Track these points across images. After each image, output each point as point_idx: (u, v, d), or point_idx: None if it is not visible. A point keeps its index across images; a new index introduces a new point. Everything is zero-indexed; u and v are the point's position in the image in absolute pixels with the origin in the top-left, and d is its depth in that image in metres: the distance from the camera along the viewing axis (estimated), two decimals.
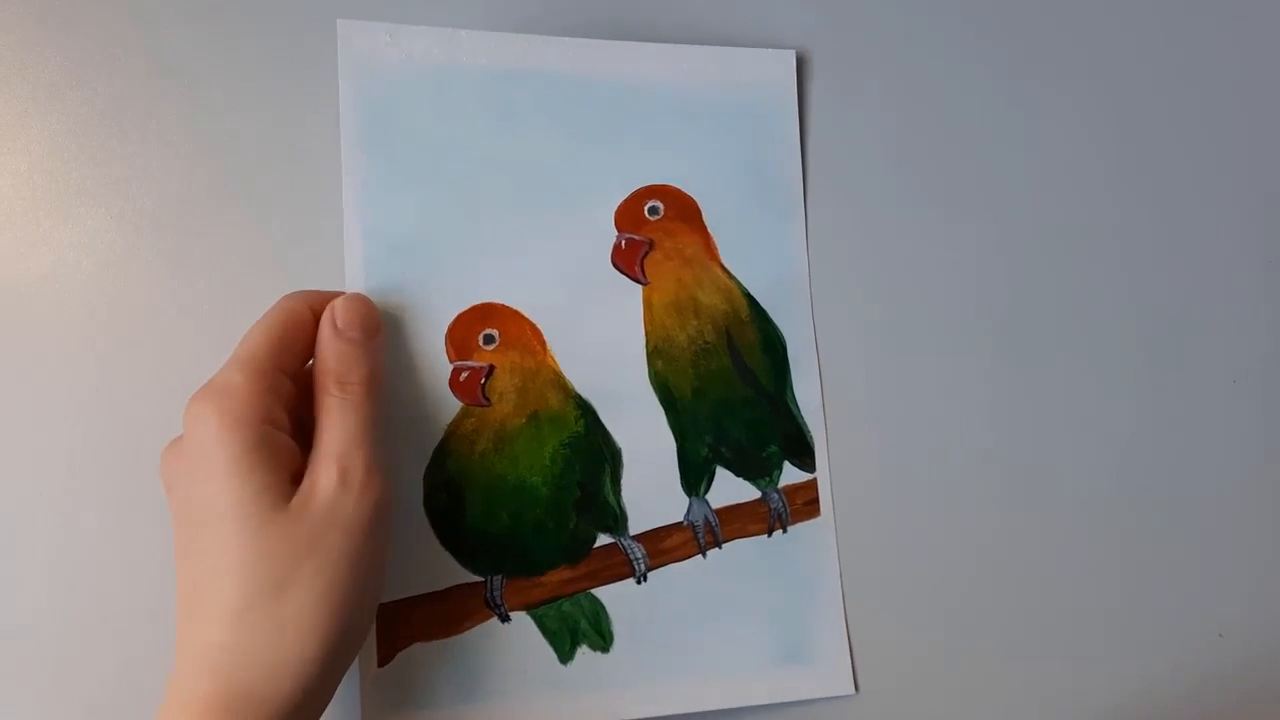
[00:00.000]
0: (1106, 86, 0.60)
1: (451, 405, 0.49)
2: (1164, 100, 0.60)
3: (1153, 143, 0.60)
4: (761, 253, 0.54)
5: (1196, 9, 0.61)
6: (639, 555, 0.51)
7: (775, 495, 0.53)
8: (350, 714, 0.46)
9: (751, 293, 0.54)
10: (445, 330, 0.49)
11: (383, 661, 0.47)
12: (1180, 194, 0.60)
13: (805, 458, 0.54)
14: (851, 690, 0.52)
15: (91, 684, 0.47)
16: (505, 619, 0.49)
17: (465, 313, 0.50)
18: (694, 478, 0.52)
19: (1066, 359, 0.57)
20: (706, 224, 0.54)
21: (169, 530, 0.41)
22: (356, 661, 0.46)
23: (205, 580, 0.40)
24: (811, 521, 0.53)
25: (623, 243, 0.52)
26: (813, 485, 0.54)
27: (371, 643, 0.47)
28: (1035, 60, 0.59)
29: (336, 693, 0.45)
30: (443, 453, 0.49)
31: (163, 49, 0.52)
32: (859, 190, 0.56)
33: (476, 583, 0.48)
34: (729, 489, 0.53)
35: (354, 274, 0.48)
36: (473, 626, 0.48)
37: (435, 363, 0.49)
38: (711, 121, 0.54)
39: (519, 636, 0.49)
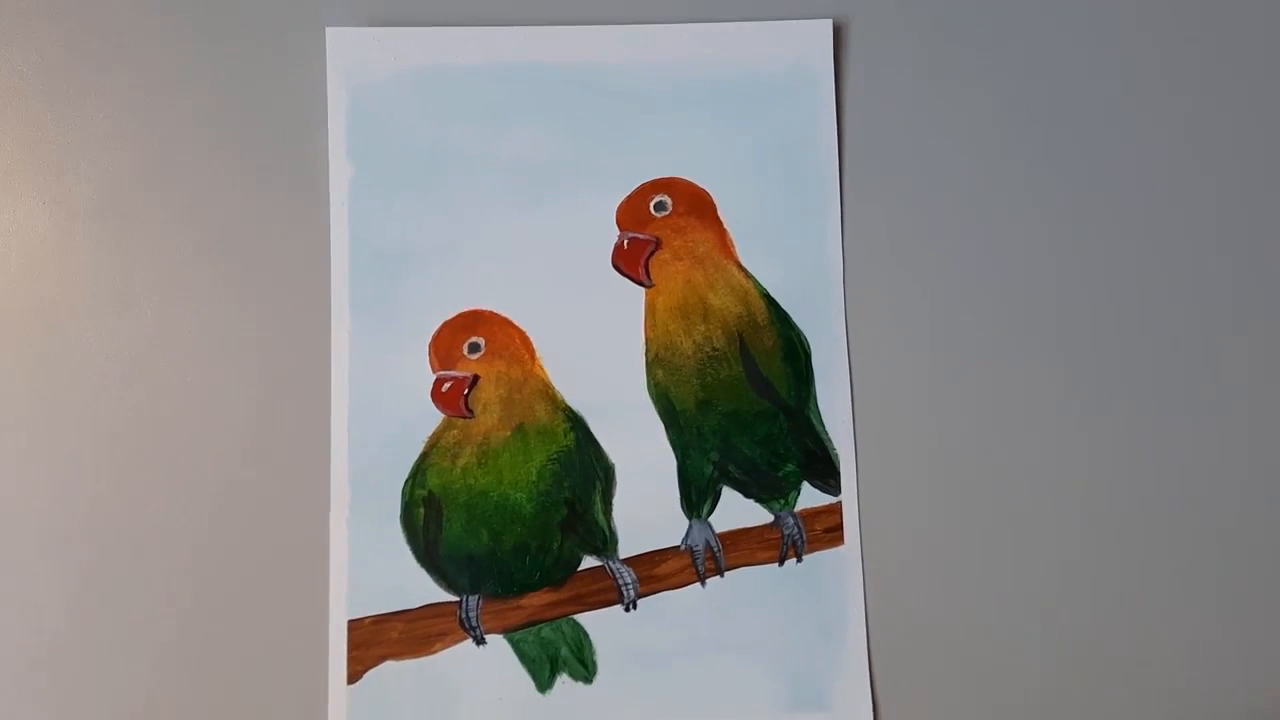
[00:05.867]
0: (1165, 70, 0.51)
1: (433, 417, 0.47)
2: (1185, 101, 0.51)
3: (1169, 149, 0.50)
4: (786, 249, 0.49)
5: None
6: (629, 580, 0.47)
7: (790, 520, 0.48)
8: None
9: (772, 294, 0.49)
10: (429, 339, 0.48)
11: (352, 679, 0.46)
12: (1207, 200, 0.50)
13: (829, 479, 0.48)
14: None
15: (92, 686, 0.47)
16: (480, 641, 0.46)
17: (451, 320, 0.48)
18: (695, 498, 0.48)
19: (1124, 371, 0.49)
20: (722, 218, 0.49)
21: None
22: (326, 678, 0.45)
23: None
24: (833, 550, 0.47)
25: (625, 242, 0.49)
26: (836, 510, 0.48)
27: (341, 659, 0.46)
28: (1098, 22, 0.50)
29: (303, 710, 0.45)
30: (423, 466, 0.47)
31: (101, 14, 0.48)
32: (901, 177, 0.49)
33: (451, 602, 0.46)
34: (737, 511, 0.48)
35: (339, 281, 0.48)
36: (445, 648, 0.46)
37: (417, 372, 0.47)
38: (731, 105, 0.49)
39: (494, 661, 0.46)
